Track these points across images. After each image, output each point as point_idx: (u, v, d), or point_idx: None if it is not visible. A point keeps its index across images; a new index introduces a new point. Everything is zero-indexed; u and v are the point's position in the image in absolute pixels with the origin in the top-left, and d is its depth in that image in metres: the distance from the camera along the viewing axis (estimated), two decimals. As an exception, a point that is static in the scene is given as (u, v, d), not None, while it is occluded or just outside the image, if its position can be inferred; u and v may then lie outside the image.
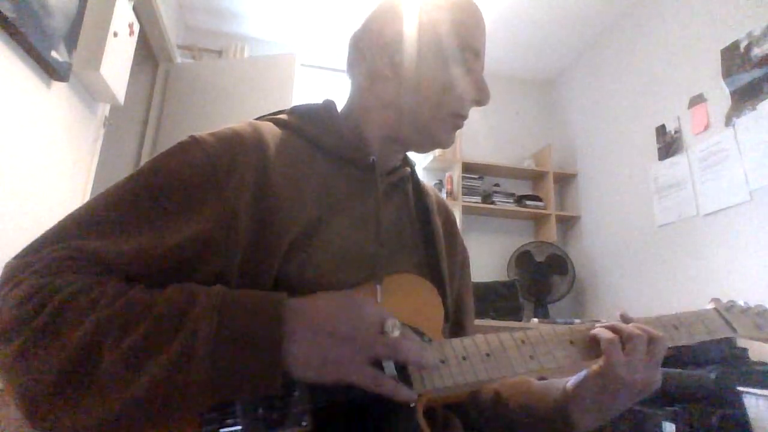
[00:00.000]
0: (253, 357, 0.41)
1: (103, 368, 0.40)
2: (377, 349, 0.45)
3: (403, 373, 0.51)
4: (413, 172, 0.75)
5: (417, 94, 0.64)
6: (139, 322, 0.42)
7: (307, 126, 0.65)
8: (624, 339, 0.56)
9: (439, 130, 0.66)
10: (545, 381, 0.66)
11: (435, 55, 0.64)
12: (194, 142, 0.56)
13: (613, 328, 0.58)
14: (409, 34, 0.65)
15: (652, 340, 0.57)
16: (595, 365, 0.57)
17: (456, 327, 0.74)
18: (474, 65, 0.66)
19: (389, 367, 0.46)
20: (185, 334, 0.41)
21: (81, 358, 0.40)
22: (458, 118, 0.66)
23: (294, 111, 0.68)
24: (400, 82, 0.64)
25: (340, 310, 0.46)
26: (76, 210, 0.53)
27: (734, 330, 0.67)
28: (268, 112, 0.70)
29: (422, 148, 0.70)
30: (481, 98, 0.67)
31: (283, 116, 0.67)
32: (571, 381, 0.60)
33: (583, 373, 0.59)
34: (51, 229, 0.51)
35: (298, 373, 0.43)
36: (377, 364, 0.45)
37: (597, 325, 0.60)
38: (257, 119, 0.66)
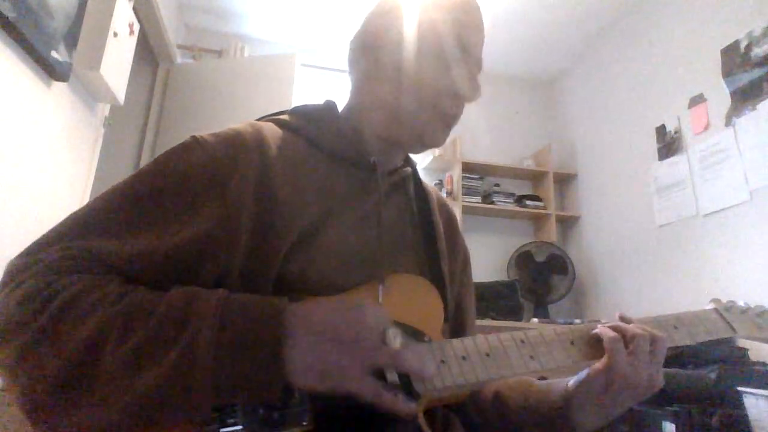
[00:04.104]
0: (253, 363, 0.41)
1: (103, 371, 0.40)
2: (380, 358, 0.43)
3: (404, 376, 0.51)
4: (415, 172, 0.75)
5: (400, 92, 0.64)
6: (140, 324, 0.42)
7: (307, 126, 0.65)
8: (627, 338, 0.56)
9: (426, 128, 0.65)
10: (546, 381, 0.66)
11: (416, 52, 0.64)
12: (196, 142, 0.57)
13: (615, 328, 0.58)
14: (395, 32, 0.65)
15: (654, 340, 0.57)
16: (598, 363, 0.57)
17: (457, 327, 0.73)
18: (461, 61, 0.64)
19: (392, 375, 0.45)
20: (186, 338, 0.41)
21: (81, 360, 0.40)
22: (446, 117, 0.65)
23: (295, 111, 0.68)
24: (389, 81, 0.65)
25: (342, 315, 0.45)
26: (78, 210, 0.53)
27: (734, 330, 0.67)
28: (269, 113, 0.70)
29: (413, 149, 0.69)
30: (465, 93, 0.64)
31: (284, 117, 0.67)
32: (572, 381, 0.60)
33: (584, 373, 0.58)
34: (54, 229, 0.51)
35: (299, 380, 0.41)
36: (378, 373, 0.44)
37: (598, 325, 0.60)
38: (259, 120, 0.67)
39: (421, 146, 0.67)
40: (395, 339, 0.44)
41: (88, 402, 0.39)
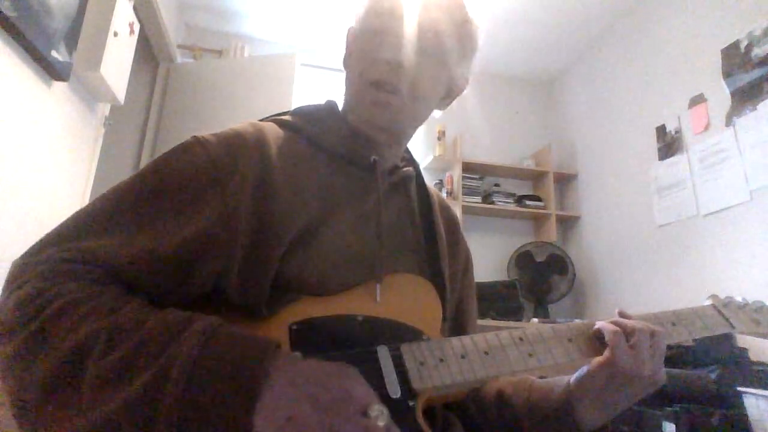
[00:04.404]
0: (227, 391, 0.38)
1: (86, 381, 0.39)
2: (348, 429, 0.38)
3: (401, 371, 0.51)
4: (418, 172, 0.75)
5: (350, 80, 0.67)
6: (127, 339, 0.41)
7: (308, 126, 0.66)
8: (627, 332, 0.57)
9: (360, 103, 0.65)
10: (548, 379, 0.66)
11: (359, 44, 0.67)
12: (196, 142, 0.57)
13: (615, 323, 0.59)
14: (353, 31, 0.70)
15: (653, 335, 0.58)
16: (599, 358, 0.57)
17: (458, 330, 0.73)
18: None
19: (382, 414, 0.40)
20: (166, 357, 0.39)
21: (67, 368, 0.40)
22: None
23: (296, 112, 0.69)
24: (348, 74, 0.69)
25: (329, 378, 0.41)
26: (80, 210, 0.53)
27: (732, 326, 0.67)
28: (270, 113, 0.71)
29: (368, 132, 0.67)
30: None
31: (285, 117, 0.68)
32: (573, 377, 0.60)
33: (585, 368, 0.58)
34: (56, 229, 0.51)
35: (261, 425, 0.37)
36: None
37: (597, 321, 0.60)
38: (260, 120, 0.67)
39: (370, 127, 0.66)
40: (379, 417, 0.39)
41: (70, 411, 0.39)
